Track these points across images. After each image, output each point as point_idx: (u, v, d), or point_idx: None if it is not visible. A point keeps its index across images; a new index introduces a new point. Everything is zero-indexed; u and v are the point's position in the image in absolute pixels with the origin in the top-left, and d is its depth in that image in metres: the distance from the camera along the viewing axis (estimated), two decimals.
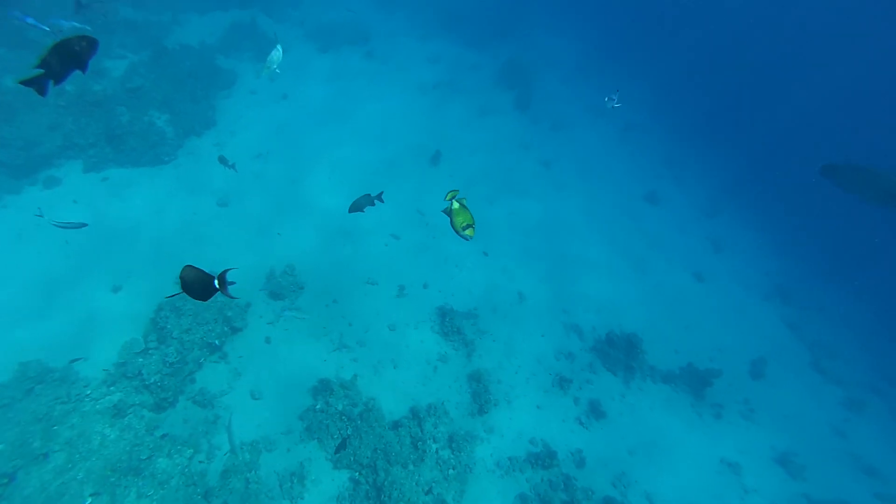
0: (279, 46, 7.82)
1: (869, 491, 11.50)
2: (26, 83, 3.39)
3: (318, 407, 9.22)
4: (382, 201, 7.63)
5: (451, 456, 9.19)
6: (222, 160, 11.14)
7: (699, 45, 39.46)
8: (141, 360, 8.61)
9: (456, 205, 5.30)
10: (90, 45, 3.64)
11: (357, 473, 8.55)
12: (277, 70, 7.76)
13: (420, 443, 8.97)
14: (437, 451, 9.12)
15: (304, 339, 10.48)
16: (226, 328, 9.87)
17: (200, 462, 8.14)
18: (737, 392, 12.89)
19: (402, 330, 11.26)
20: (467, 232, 5.12)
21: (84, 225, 8.89)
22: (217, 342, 9.55)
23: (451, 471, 8.96)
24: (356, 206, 7.47)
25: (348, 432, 8.92)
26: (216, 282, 4.23)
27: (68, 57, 3.49)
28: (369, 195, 7.49)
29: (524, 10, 31.10)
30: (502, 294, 12.99)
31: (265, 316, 10.69)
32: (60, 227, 8.70)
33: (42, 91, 3.45)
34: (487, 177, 17.21)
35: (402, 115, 18.80)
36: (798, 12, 40.79)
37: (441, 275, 12.86)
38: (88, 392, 8.16)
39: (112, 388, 8.32)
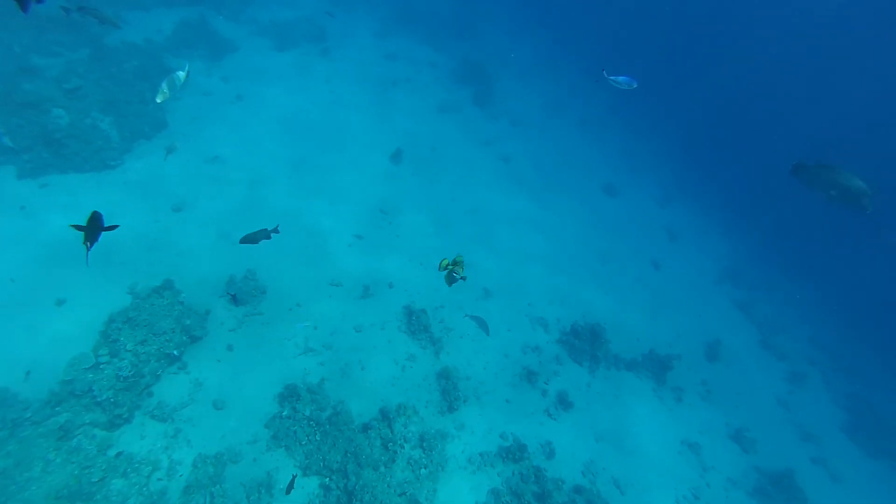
0: (186, 69, 7.52)
1: (807, 456, 12.40)
2: None
3: (284, 413, 9.01)
4: (278, 232, 7.63)
5: (423, 455, 9.18)
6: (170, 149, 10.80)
7: (652, 39, 40.81)
8: (91, 375, 8.14)
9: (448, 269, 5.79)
10: None
11: (327, 479, 8.41)
12: (172, 92, 7.48)
13: (391, 444, 8.92)
14: (408, 452, 9.09)
15: (268, 345, 10.20)
16: (185, 337, 9.47)
17: (160, 479, 7.79)
18: (695, 374, 13.50)
19: (368, 331, 11.15)
20: (456, 272, 5.76)
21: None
22: (176, 352, 9.16)
23: (423, 470, 8.95)
24: (249, 239, 7.27)
25: (317, 437, 8.76)
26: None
27: None
28: (265, 229, 7.39)
29: (480, 10, 31.35)
30: (468, 290, 13.06)
31: (226, 323, 10.33)
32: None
33: (24, 7, 3.60)
34: (449, 173, 17.24)
35: (361, 113, 18.56)
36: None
37: (406, 273, 12.80)
38: (28, 415, 7.61)
39: (58, 408, 7.81)
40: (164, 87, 7.41)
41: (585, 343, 12.49)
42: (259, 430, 8.90)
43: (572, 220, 17.87)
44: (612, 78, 8.90)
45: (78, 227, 4.56)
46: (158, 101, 7.43)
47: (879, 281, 24.17)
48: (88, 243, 4.50)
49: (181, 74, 7.45)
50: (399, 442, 9.03)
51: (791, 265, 23.60)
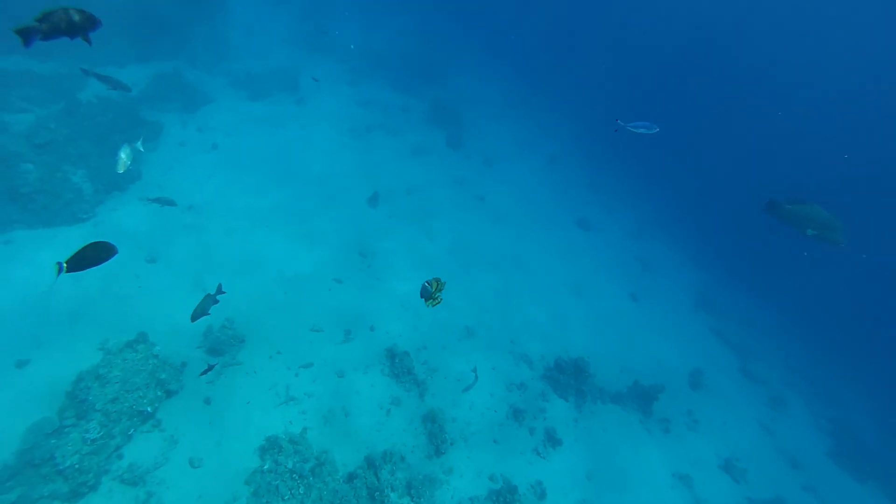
0: (126, 144, 7.70)
1: (797, 484, 12.38)
2: (19, 31, 3.63)
3: (265, 468, 8.61)
4: (223, 292, 7.70)
5: (411, 503, 8.85)
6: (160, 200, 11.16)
7: (618, 74, 43.15)
8: (53, 441, 7.66)
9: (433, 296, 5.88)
10: (89, 19, 4.15)
11: None
12: (129, 164, 7.63)
13: (378, 493, 8.58)
14: (395, 501, 8.75)
15: (247, 396, 9.85)
16: (159, 392, 9.08)
17: None
18: (680, 404, 13.56)
19: (350, 376, 10.91)
20: (435, 301, 5.81)
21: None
22: (150, 409, 8.75)
23: None
24: (199, 312, 7.26)
25: (300, 491, 8.37)
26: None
27: (65, 23, 3.95)
28: (209, 294, 7.44)
29: (449, 55, 32.88)
30: (450, 330, 13.02)
31: (204, 375, 9.96)
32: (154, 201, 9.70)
33: (27, 41, 3.67)
34: (425, 214, 17.50)
35: (337, 159, 18.86)
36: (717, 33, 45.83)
37: (387, 316, 12.71)
38: None
39: (9, 483, 7.25)
40: (124, 157, 7.53)
41: (570, 377, 12.48)
42: (239, 487, 8.45)
43: (549, 256, 18.21)
44: (630, 125, 8.76)
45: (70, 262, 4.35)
46: (120, 171, 7.50)
47: (846, 302, 25.21)
48: (66, 267, 4.27)
49: (139, 145, 7.60)
50: (386, 490, 8.69)
51: (760, 291, 24.42)
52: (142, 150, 7.57)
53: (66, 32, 3.98)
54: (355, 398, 10.49)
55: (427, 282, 5.77)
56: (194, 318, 7.15)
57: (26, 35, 3.75)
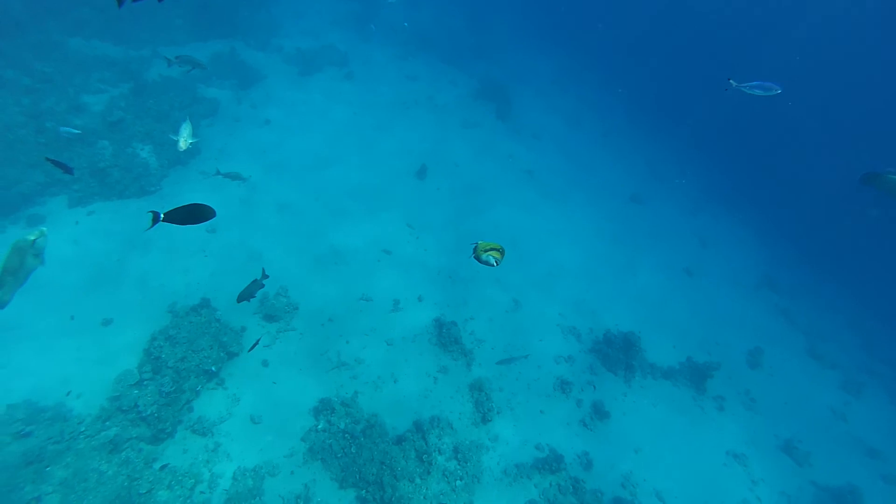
0: (188, 121, 7.79)
1: (875, 473, 11.55)
2: None
3: (320, 427, 9.09)
4: (267, 276, 7.86)
5: (458, 467, 9.08)
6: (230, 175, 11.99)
7: (672, 46, 40.60)
8: (136, 391, 8.44)
9: (480, 242, 5.21)
10: None
11: (364, 491, 8.40)
12: (190, 141, 7.71)
13: (425, 456, 8.86)
14: (443, 463, 9.00)
15: (301, 360, 10.37)
16: (222, 353, 9.73)
17: (202, 493, 7.94)
18: (737, 383, 12.98)
19: (399, 344, 11.20)
20: (490, 254, 4.87)
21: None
22: (213, 368, 9.41)
23: (458, 482, 8.84)
24: (246, 295, 7.45)
25: (352, 450, 8.79)
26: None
27: None
28: (256, 280, 7.58)
29: (496, 30, 31.88)
30: (497, 302, 13.01)
31: (261, 339, 10.56)
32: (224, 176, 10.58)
33: (120, 2, 3.85)
34: (473, 187, 17.37)
35: (385, 132, 18.98)
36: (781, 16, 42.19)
37: (435, 287, 12.86)
38: (83, 429, 7.95)
39: (107, 423, 8.12)
40: (185, 135, 7.60)
41: (619, 352, 12.21)
42: (295, 443, 8.99)
43: (600, 230, 17.67)
44: (744, 86, 8.14)
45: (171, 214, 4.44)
46: (182, 149, 7.68)
47: None
48: (164, 217, 4.34)
49: (184, 128, 7.66)
50: (434, 454, 8.96)
51: (832, 271, 22.60)
52: (186, 133, 7.70)
53: None
54: (403, 366, 10.78)
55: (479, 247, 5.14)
56: (240, 299, 7.43)
57: None
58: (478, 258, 4.93)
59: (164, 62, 10.28)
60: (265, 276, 7.75)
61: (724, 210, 23.90)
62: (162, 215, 4.37)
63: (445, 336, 11.34)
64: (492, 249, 4.88)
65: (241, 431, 9.00)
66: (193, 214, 4.59)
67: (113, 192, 12.39)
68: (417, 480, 8.56)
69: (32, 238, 4.09)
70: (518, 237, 15.86)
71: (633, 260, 16.72)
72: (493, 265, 4.87)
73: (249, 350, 8.76)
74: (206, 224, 12.93)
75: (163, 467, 7.87)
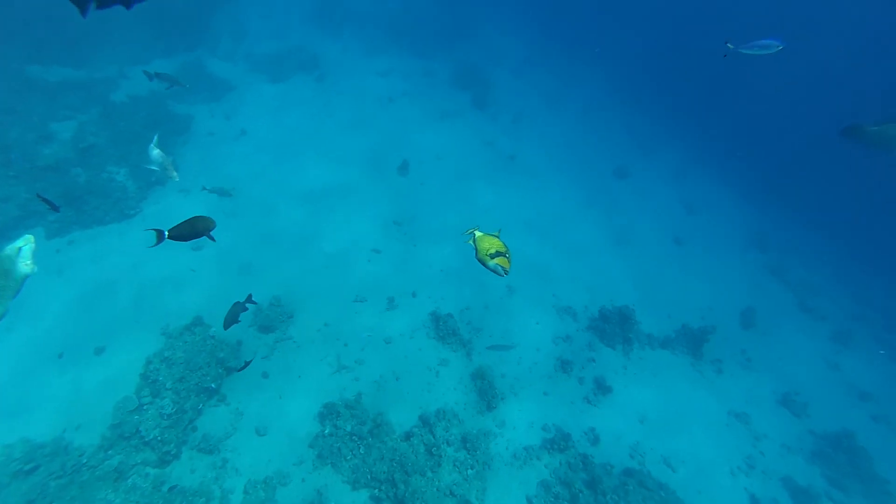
0: (154, 143, 7.40)
1: (867, 414, 11.91)
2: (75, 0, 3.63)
3: (326, 432, 9.11)
4: (254, 303, 7.69)
5: (468, 456, 9.16)
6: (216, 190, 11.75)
7: (651, 14, 40.34)
8: (136, 417, 8.39)
9: (479, 232, 4.55)
10: None
11: (377, 490, 8.45)
12: (171, 165, 7.40)
13: (434, 448, 8.92)
14: (452, 454, 9.08)
15: (301, 367, 10.36)
16: (220, 370, 9.68)
17: None
18: (732, 344, 13.20)
19: (398, 342, 11.22)
20: (497, 261, 4.12)
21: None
22: (213, 385, 9.37)
23: (469, 471, 8.93)
24: (230, 320, 7.28)
25: (361, 451, 8.83)
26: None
27: None
28: (239, 302, 7.40)
29: (466, 14, 31.59)
30: (491, 290, 13.06)
31: (259, 351, 10.53)
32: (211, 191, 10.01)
33: (83, 11, 3.69)
34: (456, 178, 17.34)
35: (364, 132, 18.83)
36: None
37: (428, 281, 12.87)
38: (84, 461, 7.89)
39: (110, 451, 8.07)
40: (159, 161, 7.30)
41: (616, 326, 12.33)
42: (303, 450, 9.01)
43: (587, 208, 17.75)
44: (743, 48, 7.71)
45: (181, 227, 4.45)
46: (156, 169, 7.43)
47: None
48: (168, 234, 4.35)
49: (153, 146, 7.38)
50: (442, 446, 9.03)
51: (820, 225, 22.88)
52: (157, 157, 7.40)
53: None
54: (404, 362, 10.81)
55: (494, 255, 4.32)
56: (227, 326, 7.24)
57: (82, 4, 3.77)
58: (483, 263, 4.28)
59: (130, 82, 10.12)
60: (250, 301, 7.54)
61: (709, 174, 24.06)
62: (166, 233, 4.36)
63: (443, 328, 11.38)
64: (498, 254, 4.19)
65: (248, 445, 9.00)
66: (195, 227, 4.57)
67: (92, 220, 12.20)
68: (429, 474, 8.63)
69: (19, 245, 4.02)
70: (506, 222, 15.87)
71: (621, 233, 16.84)
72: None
73: (240, 370, 8.59)
74: (192, 242, 12.86)
75: (171, 489, 7.86)
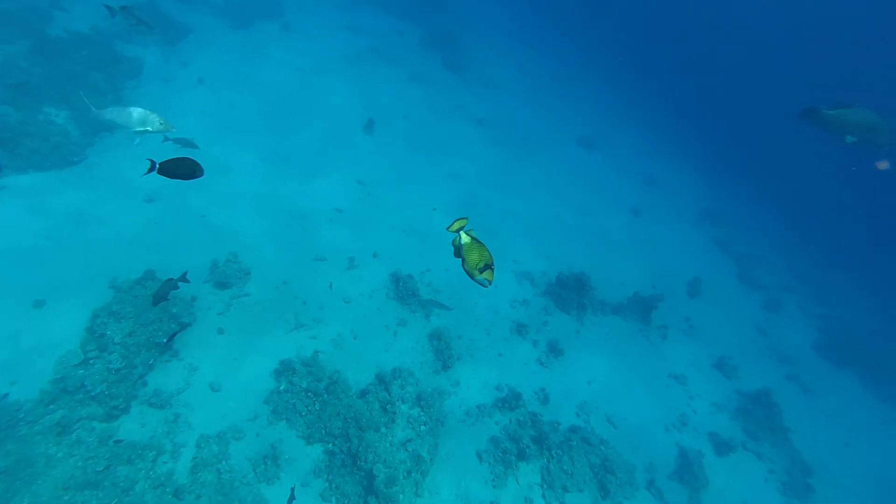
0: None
1: (783, 375, 13.27)
2: None
3: (282, 388, 9.15)
4: (187, 281, 7.59)
5: (422, 413, 9.44)
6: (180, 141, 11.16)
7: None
8: (81, 371, 8.13)
9: (466, 238, 4.26)
10: None
11: (330, 444, 8.64)
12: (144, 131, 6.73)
13: (389, 406, 9.14)
14: (406, 411, 9.34)
15: (258, 325, 10.25)
16: (174, 325, 9.45)
17: (165, 462, 7.93)
18: (678, 312, 13.96)
19: (357, 301, 11.24)
20: (485, 275, 4.00)
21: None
22: (165, 340, 9.17)
23: (422, 427, 9.23)
24: (160, 296, 7.17)
25: (316, 407, 8.96)
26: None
27: None
28: (172, 279, 7.25)
29: None
30: (451, 252, 13.14)
31: (214, 307, 10.32)
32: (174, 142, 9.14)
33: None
34: (423, 139, 17.09)
35: (329, 87, 18.14)
36: None
37: (389, 242, 12.83)
38: (21, 416, 7.60)
39: (51, 406, 7.79)
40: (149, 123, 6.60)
41: (572, 292, 12.75)
42: (258, 406, 9.04)
43: (550, 176, 17.94)
44: None
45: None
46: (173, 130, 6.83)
47: (847, 205, 25.03)
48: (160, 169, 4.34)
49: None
50: (397, 403, 9.26)
51: (767, 202, 24.19)
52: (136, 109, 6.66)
53: None
54: (363, 321, 10.88)
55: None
56: (155, 303, 7.13)
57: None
58: (470, 275, 4.13)
59: (68, 15, 9.17)
60: (184, 280, 7.36)
61: (670, 149, 24.73)
62: (157, 165, 4.32)
63: (402, 289, 11.46)
64: (486, 267, 4.04)
65: (202, 400, 8.94)
66: (185, 167, 4.48)
67: (28, 164, 11.35)
68: (383, 429, 8.86)
69: None
70: (472, 186, 15.89)
71: (582, 202, 17.20)
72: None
73: (166, 342, 8.30)
74: (144, 194, 12.24)
75: (120, 443, 7.76)
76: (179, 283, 7.34)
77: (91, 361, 8.32)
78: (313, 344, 10.16)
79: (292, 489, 7.39)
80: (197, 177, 4.49)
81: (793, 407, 12.79)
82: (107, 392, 8.07)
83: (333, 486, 8.22)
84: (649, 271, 15.12)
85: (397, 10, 25.32)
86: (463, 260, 4.18)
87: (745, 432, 11.74)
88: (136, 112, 6.54)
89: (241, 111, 15.71)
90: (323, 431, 8.73)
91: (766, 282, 16.87)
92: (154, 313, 9.23)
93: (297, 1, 23.32)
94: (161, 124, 6.69)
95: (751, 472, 11.09)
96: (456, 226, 4.36)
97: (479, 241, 4.27)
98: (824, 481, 11.47)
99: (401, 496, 8.04)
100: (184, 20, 18.66)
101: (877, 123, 6.90)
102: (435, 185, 15.33)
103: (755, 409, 12.03)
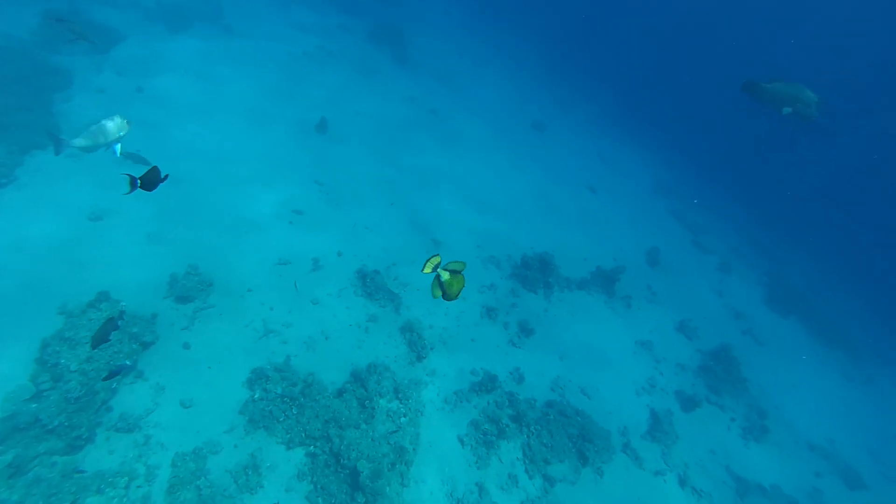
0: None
1: (738, 330, 14.33)
2: None
3: (256, 396, 9.00)
4: (123, 319, 7.59)
5: (400, 405, 9.51)
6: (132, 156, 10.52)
7: None
8: (34, 405, 7.71)
9: (446, 275, 4.29)
10: None
11: (312, 447, 8.59)
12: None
13: (367, 402, 9.16)
14: (385, 405, 9.38)
15: (226, 336, 10.01)
16: (135, 345, 9.10)
17: (140, 487, 7.68)
18: (640, 281, 14.53)
19: (325, 301, 11.13)
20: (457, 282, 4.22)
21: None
22: (128, 362, 8.82)
23: (402, 419, 9.30)
24: (100, 339, 6.68)
25: (293, 412, 8.87)
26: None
27: None
28: (112, 318, 6.87)
29: None
30: (417, 245, 13.20)
31: (177, 322, 9.99)
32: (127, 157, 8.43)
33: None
34: (377, 134, 16.96)
35: (277, 89, 17.68)
36: None
37: (352, 240, 12.73)
38: None
39: (1, 446, 7.39)
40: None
41: (537, 272, 13.04)
42: (234, 417, 8.86)
43: (506, 160, 18.16)
44: None
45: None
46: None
47: (780, 172, 26.72)
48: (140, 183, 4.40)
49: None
50: (375, 398, 9.28)
51: (714, 173, 25.45)
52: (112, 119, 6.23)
53: None
54: (333, 321, 10.79)
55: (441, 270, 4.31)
56: (94, 346, 6.67)
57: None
58: (452, 299, 4.30)
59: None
60: (121, 318, 7.11)
61: (623, 127, 25.52)
62: (139, 181, 4.36)
63: (370, 285, 11.43)
64: (453, 271, 4.20)
65: (173, 418, 8.67)
66: (158, 176, 4.59)
67: None
68: (363, 426, 8.88)
69: None
70: (430, 176, 15.91)
71: (539, 184, 17.54)
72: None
73: (104, 380, 7.58)
74: (89, 212, 11.63)
75: (85, 474, 7.46)
76: (119, 322, 6.90)
77: (45, 393, 7.92)
78: (285, 349, 10.02)
79: None
80: (164, 180, 4.70)
81: (748, 358, 13.83)
82: (67, 423, 7.71)
83: (319, 487, 8.19)
84: (610, 245, 15.65)
85: (337, 5, 24.85)
86: (444, 293, 4.25)
87: (707, 387, 12.48)
88: (111, 123, 6.32)
89: (186, 119, 15.12)
90: (303, 435, 8.66)
91: (718, 246, 18.01)
92: (114, 335, 8.85)
93: (234, 0, 22.53)
94: (127, 124, 6.46)
95: (715, 423, 11.81)
96: (429, 267, 4.24)
97: (455, 271, 4.31)
98: (777, 421, 12.49)
99: (387, 488, 8.10)
100: (114, 25, 17.72)
101: (808, 96, 7.42)
102: (394, 178, 15.27)
103: (716, 365, 12.78)
